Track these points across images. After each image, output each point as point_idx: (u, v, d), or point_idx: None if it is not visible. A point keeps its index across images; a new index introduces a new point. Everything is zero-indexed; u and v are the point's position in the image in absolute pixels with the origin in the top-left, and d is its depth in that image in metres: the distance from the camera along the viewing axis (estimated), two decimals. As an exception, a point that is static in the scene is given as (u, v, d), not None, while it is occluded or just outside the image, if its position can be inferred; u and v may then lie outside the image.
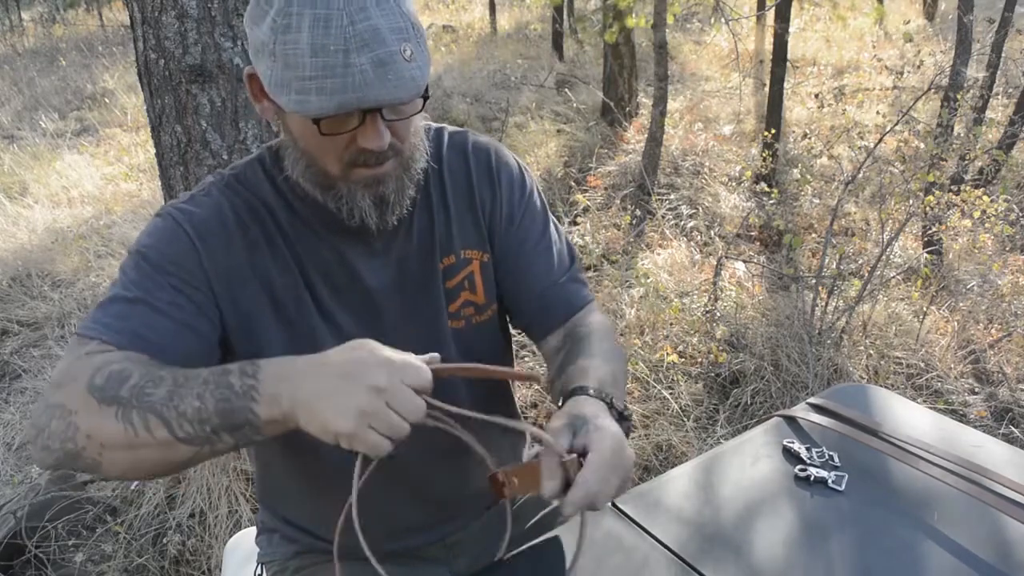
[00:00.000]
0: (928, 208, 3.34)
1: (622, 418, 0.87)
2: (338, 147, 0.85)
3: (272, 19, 0.78)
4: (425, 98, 0.86)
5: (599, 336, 1.02)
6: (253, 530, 1.28)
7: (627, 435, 0.86)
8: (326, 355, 0.76)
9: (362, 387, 0.71)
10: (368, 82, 0.77)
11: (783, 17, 4.97)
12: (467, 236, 1.03)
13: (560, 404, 0.88)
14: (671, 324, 3.20)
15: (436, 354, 0.80)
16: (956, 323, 3.21)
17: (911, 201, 3.38)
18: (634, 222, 4.46)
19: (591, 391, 0.87)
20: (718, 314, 3.28)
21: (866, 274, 3.09)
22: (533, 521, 1.16)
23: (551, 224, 1.10)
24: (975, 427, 1.45)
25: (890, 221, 3.38)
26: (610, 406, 0.86)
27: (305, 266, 0.96)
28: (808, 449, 1.13)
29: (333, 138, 0.83)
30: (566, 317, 1.06)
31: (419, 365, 0.75)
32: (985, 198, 3.30)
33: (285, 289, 0.95)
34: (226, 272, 0.92)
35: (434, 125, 1.07)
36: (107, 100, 7.95)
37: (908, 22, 7.54)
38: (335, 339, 0.97)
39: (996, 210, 3.35)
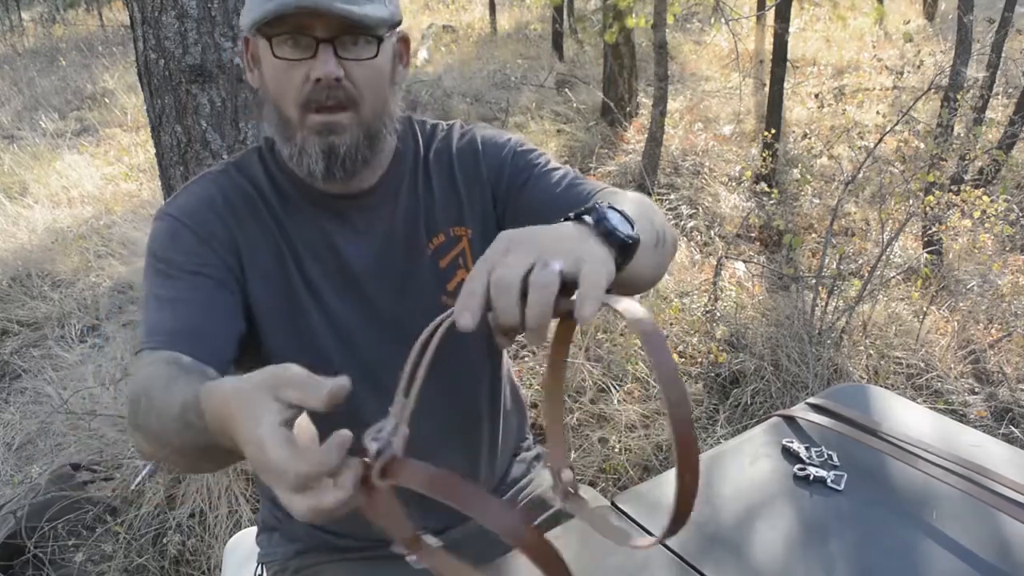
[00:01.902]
0: (928, 208, 3.34)
1: (609, 234, 0.67)
2: (295, 84, 0.88)
3: None
4: (380, 40, 0.89)
5: (619, 191, 0.91)
6: (253, 530, 1.28)
7: (627, 251, 0.69)
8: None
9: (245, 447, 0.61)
10: None
11: (783, 17, 4.97)
12: (452, 213, 1.05)
13: None
14: (671, 324, 3.20)
15: (345, 378, 0.60)
16: (956, 323, 3.21)
17: (911, 201, 3.38)
18: (634, 222, 4.46)
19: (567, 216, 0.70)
20: (718, 314, 3.27)
21: (866, 274, 3.09)
22: (536, 522, 1.16)
23: (553, 161, 1.07)
24: (975, 427, 1.45)
25: (890, 221, 3.38)
26: (594, 221, 0.68)
27: (295, 245, 0.99)
28: (807, 449, 1.13)
29: (291, 76, 0.88)
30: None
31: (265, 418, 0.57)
32: (985, 198, 3.30)
33: (275, 270, 0.98)
34: (232, 245, 0.96)
35: (430, 121, 1.10)
36: (107, 100, 7.94)
37: (908, 22, 7.53)
38: (326, 320, 1.00)
39: (996, 210, 3.35)
